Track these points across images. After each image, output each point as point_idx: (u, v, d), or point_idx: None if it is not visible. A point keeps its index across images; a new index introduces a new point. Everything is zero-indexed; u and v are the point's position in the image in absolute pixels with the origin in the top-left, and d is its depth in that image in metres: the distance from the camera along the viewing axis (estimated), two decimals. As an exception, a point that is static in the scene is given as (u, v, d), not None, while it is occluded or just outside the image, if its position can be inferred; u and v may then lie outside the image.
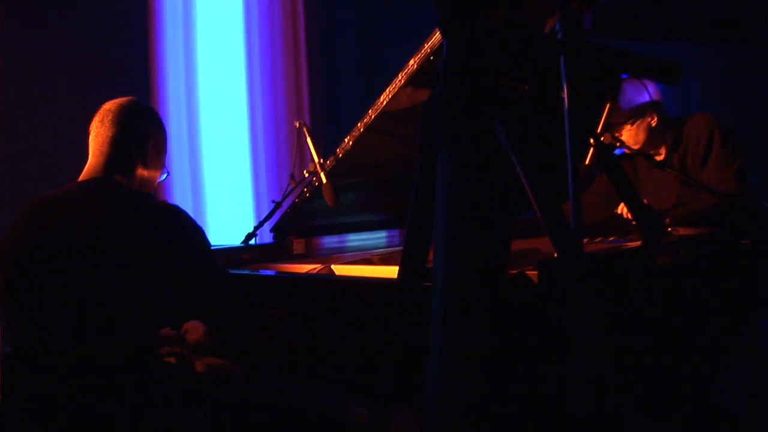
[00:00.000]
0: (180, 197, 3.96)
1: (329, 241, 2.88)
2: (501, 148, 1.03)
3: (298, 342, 1.86)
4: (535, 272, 2.42)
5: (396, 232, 3.10)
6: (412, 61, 2.33)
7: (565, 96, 1.19)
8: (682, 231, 2.34)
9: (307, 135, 2.57)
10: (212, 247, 1.91)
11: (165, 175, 2.02)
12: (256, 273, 2.20)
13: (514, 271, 2.43)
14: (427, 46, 2.27)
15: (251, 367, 1.93)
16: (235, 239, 2.76)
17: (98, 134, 1.85)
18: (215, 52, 4.10)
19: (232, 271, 2.19)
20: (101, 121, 1.86)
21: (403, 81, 2.37)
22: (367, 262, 2.46)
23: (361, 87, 4.49)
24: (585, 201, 2.81)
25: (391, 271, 2.10)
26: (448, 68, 1.06)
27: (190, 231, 1.78)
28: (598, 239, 2.55)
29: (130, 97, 1.93)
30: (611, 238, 2.55)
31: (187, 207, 3.98)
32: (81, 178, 1.83)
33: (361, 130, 2.48)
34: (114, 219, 1.70)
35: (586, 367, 1.04)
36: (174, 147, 3.89)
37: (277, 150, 4.34)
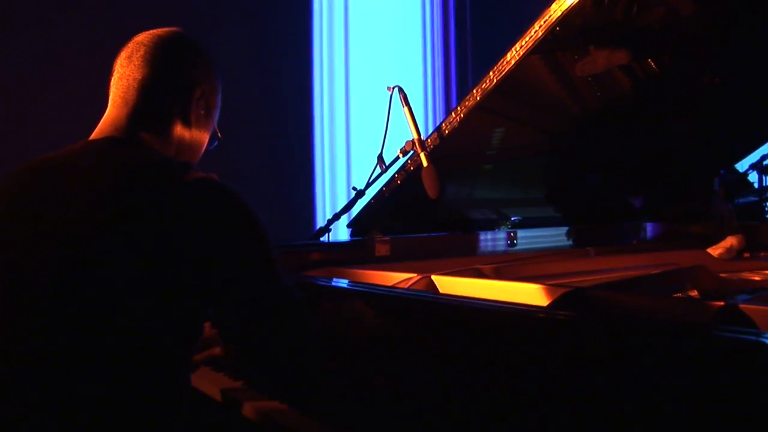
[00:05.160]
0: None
1: (420, 241, 2.28)
2: None
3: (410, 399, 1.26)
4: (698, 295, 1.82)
5: (498, 235, 2.50)
6: (554, 6, 1.71)
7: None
8: None
9: (404, 103, 1.97)
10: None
11: (216, 142, 1.44)
12: (328, 283, 1.60)
13: (679, 295, 1.81)
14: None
15: (331, 424, 1.33)
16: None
17: (123, 75, 1.28)
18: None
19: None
20: (129, 57, 1.29)
21: (541, 33, 1.75)
22: (476, 274, 1.85)
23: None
24: None
25: (512, 289, 1.57)
26: None
27: (244, 223, 1.18)
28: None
29: (172, 28, 1.36)
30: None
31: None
32: (94, 135, 1.27)
33: (478, 98, 1.88)
34: (132, 195, 1.13)
35: None
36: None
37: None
